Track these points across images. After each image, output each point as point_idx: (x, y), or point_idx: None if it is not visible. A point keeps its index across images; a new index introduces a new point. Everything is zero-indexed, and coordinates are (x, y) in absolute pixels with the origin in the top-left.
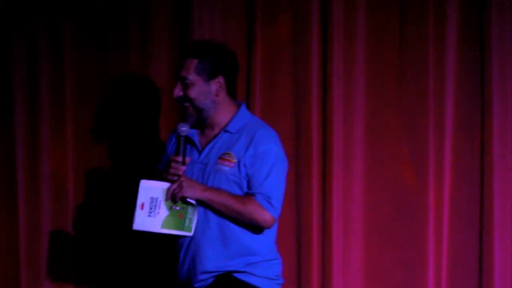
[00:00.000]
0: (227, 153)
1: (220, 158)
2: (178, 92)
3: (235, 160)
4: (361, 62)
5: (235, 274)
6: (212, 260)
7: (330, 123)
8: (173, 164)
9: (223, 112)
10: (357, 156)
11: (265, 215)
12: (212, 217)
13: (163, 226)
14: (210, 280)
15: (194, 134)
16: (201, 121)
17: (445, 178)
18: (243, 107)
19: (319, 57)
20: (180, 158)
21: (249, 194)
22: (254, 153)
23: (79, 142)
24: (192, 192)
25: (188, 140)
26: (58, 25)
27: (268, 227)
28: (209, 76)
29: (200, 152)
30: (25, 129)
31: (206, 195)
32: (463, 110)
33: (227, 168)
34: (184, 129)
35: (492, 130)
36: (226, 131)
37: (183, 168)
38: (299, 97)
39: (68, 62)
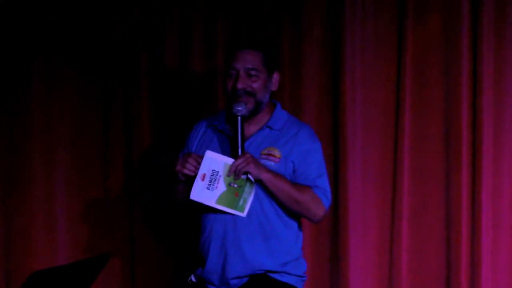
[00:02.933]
0: (272, 148)
1: (263, 153)
2: (242, 84)
3: (280, 156)
4: None
5: (270, 274)
6: (250, 258)
7: (480, 122)
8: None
9: (265, 108)
10: (506, 154)
11: (321, 207)
12: (253, 211)
13: (217, 202)
14: (245, 280)
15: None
16: (248, 116)
17: None
18: (279, 105)
19: (469, 56)
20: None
21: (305, 186)
22: (303, 150)
23: None
24: (257, 170)
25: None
26: (212, 23)
27: (317, 220)
28: (271, 70)
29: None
30: None
31: (269, 177)
32: None
33: (272, 163)
34: (240, 108)
35: None
36: (268, 127)
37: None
38: (449, 96)
39: (221, 61)
